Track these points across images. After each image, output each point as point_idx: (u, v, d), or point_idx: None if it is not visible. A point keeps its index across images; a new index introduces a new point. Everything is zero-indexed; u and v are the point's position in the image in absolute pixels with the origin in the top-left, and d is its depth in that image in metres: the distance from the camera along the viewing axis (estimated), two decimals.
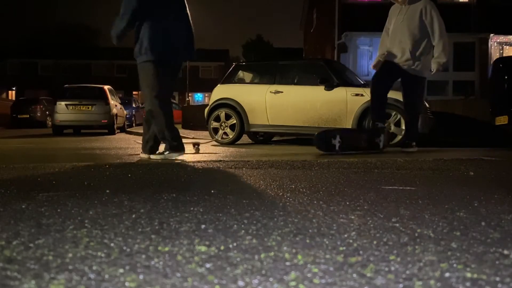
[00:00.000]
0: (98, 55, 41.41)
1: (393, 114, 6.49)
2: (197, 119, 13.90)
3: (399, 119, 6.47)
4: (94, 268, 0.97)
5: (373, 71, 5.41)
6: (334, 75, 6.98)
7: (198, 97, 43.69)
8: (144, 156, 4.27)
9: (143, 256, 1.06)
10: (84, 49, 41.77)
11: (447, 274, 0.94)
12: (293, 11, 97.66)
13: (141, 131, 4.99)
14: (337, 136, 4.91)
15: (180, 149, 4.10)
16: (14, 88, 41.38)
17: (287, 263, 1.01)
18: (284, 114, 7.17)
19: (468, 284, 0.88)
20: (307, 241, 1.20)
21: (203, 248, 1.13)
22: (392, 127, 6.47)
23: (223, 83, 7.98)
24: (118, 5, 4.51)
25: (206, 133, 8.97)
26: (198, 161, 3.56)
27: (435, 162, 3.47)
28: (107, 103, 12.96)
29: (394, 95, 6.74)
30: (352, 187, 2.22)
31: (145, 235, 1.26)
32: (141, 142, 4.37)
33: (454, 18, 15.99)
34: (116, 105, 13.48)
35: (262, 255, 1.07)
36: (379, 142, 5.27)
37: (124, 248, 1.13)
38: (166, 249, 1.12)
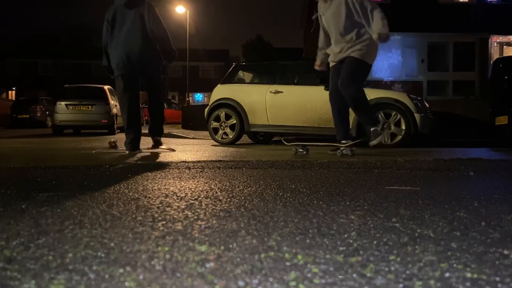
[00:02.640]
0: (98, 55, 41.09)
1: (393, 114, 6.51)
2: (197, 119, 13.91)
3: (399, 119, 6.48)
4: (94, 268, 0.97)
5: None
6: None
7: (198, 97, 43.68)
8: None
9: (143, 256, 1.06)
10: (84, 49, 41.74)
11: (447, 274, 0.93)
12: (293, 11, 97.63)
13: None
14: None
15: (132, 149, 4.78)
16: (14, 88, 41.39)
17: (287, 263, 1.01)
18: (284, 114, 7.17)
19: (468, 284, 0.88)
20: (307, 241, 1.20)
21: (203, 248, 1.13)
22: (392, 127, 6.48)
23: (223, 83, 7.98)
24: None
25: (206, 133, 8.97)
26: (198, 161, 3.57)
27: (435, 162, 3.47)
28: (107, 103, 12.97)
29: (394, 95, 6.76)
30: (352, 187, 2.22)
31: (145, 235, 1.26)
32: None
33: (454, 18, 16.01)
34: (116, 105, 13.47)
35: (262, 255, 1.07)
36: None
37: (124, 248, 1.13)
38: (166, 249, 1.12)
